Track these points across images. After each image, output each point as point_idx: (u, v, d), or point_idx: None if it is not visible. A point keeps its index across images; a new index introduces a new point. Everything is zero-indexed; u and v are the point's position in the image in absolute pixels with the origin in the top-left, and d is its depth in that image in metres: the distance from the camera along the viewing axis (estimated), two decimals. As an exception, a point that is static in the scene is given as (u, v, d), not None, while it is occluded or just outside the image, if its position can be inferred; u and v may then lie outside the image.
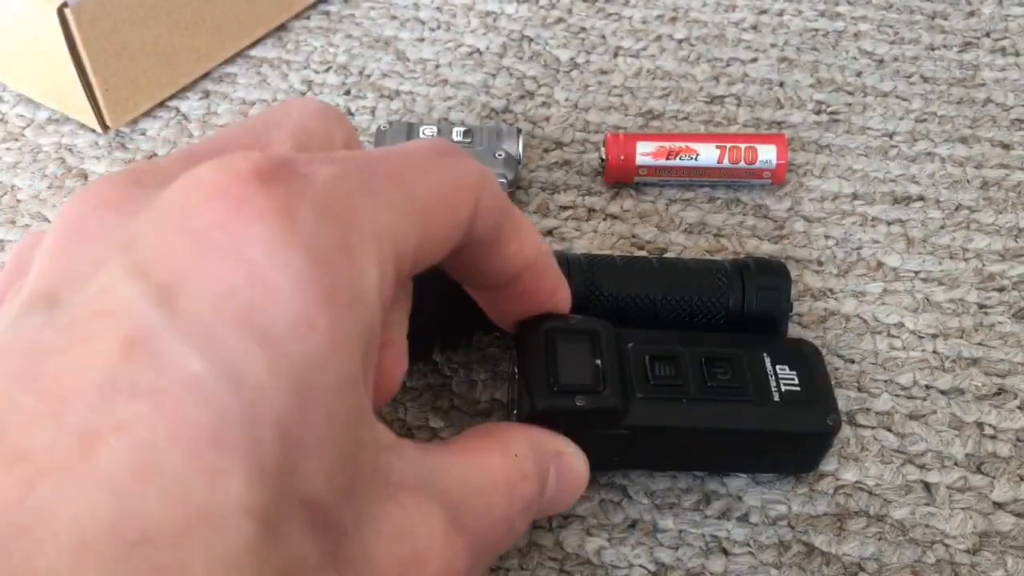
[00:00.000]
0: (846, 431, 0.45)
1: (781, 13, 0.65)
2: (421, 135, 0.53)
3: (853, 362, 0.48)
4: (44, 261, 0.24)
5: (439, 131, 0.53)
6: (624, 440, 0.41)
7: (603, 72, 0.61)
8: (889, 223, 0.53)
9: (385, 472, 0.25)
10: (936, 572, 0.42)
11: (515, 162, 0.53)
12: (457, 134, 0.53)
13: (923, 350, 0.48)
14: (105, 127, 0.56)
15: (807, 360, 0.43)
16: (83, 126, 0.57)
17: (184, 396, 0.20)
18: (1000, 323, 0.49)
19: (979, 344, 0.49)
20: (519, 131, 0.54)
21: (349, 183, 0.24)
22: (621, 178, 0.54)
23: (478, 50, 0.62)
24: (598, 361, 0.41)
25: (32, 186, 0.54)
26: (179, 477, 0.19)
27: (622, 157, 0.53)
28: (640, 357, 0.42)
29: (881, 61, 0.62)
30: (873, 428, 0.46)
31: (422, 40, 0.63)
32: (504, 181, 0.52)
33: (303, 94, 0.59)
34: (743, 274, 0.46)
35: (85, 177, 0.55)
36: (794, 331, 0.49)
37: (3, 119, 0.58)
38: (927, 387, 0.47)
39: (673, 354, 0.42)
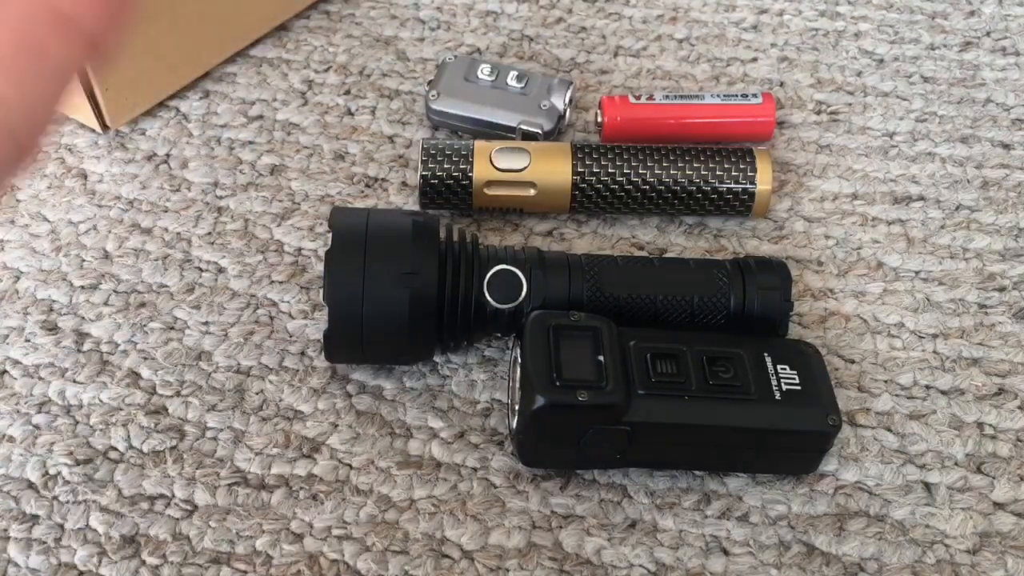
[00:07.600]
0: (846, 431, 0.45)
1: (781, 13, 0.65)
2: (479, 73, 0.56)
3: (853, 362, 0.48)
4: None
5: (497, 72, 0.56)
6: (625, 436, 0.41)
7: (603, 72, 0.61)
8: (889, 223, 0.53)
9: None
10: (936, 572, 0.41)
11: (556, 114, 0.55)
12: (512, 77, 0.56)
13: (923, 350, 0.48)
14: (105, 127, 0.56)
15: (808, 360, 0.43)
16: (83, 126, 0.57)
17: None
18: (1000, 323, 0.49)
19: (979, 344, 0.48)
20: (570, 84, 0.56)
21: None
22: (619, 136, 0.55)
23: (478, 50, 0.62)
24: (601, 357, 0.41)
25: (32, 186, 0.54)
26: None
27: (619, 118, 0.55)
28: (642, 354, 0.42)
29: (881, 61, 0.62)
30: (873, 428, 0.46)
31: (422, 40, 0.63)
32: (539, 132, 0.54)
33: (303, 94, 0.59)
34: (744, 274, 0.46)
35: (85, 177, 0.55)
36: (794, 331, 0.49)
37: (3, 119, 0.58)
38: (927, 387, 0.47)
39: (675, 352, 0.42)
